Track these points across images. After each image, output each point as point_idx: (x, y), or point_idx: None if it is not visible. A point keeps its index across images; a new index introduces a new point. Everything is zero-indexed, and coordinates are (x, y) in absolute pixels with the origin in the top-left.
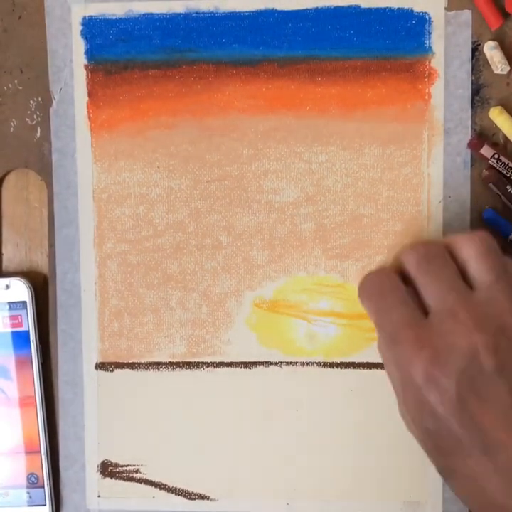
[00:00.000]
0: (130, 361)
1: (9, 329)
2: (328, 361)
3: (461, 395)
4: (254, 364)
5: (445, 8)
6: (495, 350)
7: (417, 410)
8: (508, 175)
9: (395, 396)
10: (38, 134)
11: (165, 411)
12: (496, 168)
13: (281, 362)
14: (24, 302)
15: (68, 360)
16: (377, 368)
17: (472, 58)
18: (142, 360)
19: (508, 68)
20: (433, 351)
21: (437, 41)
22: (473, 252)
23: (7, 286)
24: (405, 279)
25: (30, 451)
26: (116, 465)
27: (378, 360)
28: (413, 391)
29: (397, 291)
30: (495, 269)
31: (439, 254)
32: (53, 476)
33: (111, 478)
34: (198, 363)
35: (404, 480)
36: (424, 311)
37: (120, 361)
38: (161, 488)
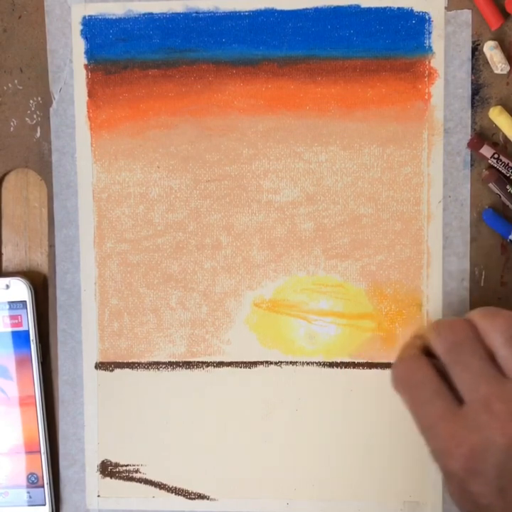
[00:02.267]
0: (130, 361)
1: (9, 329)
2: (328, 361)
3: (502, 487)
4: (254, 364)
5: (445, 8)
6: None
7: (461, 498)
8: (508, 175)
9: (395, 396)
10: (38, 134)
11: (165, 411)
12: (495, 167)
13: (281, 362)
14: (24, 302)
15: (68, 359)
16: (377, 368)
17: (472, 58)
18: (142, 360)
19: (508, 68)
20: (470, 447)
21: (437, 41)
22: (500, 337)
23: (7, 286)
24: (434, 356)
25: (30, 450)
26: (116, 465)
27: (378, 360)
28: (455, 481)
29: (431, 382)
30: None
31: (466, 341)
32: (53, 475)
33: (111, 478)
34: (198, 362)
35: (404, 480)
36: (459, 398)
37: (120, 361)
38: (161, 488)
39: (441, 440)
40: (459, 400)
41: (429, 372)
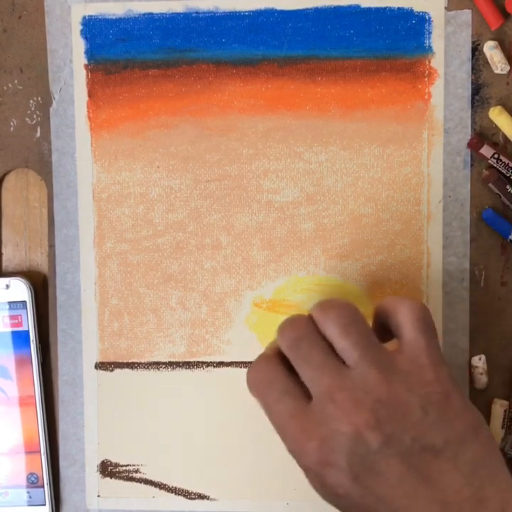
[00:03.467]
0: (130, 361)
1: (9, 329)
2: None
3: (356, 473)
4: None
5: (445, 8)
6: (376, 425)
7: (322, 491)
8: (508, 175)
9: None
10: (38, 134)
11: (165, 411)
12: (495, 167)
13: None
14: (24, 302)
15: (68, 360)
16: None
17: (472, 58)
18: (142, 360)
19: (508, 68)
20: (320, 441)
21: (437, 41)
22: (335, 328)
23: (7, 286)
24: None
25: (30, 450)
26: (116, 465)
27: None
28: (313, 475)
29: (280, 381)
30: (358, 342)
31: (306, 335)
32: (53, 475)
33: (111, 478)
34: (198, 362)
35: None
36: (309, 392)
37: (120, 361)
38: (161, 488)
39: (293, 437)
40: (309, 396)
41: (278, 372)
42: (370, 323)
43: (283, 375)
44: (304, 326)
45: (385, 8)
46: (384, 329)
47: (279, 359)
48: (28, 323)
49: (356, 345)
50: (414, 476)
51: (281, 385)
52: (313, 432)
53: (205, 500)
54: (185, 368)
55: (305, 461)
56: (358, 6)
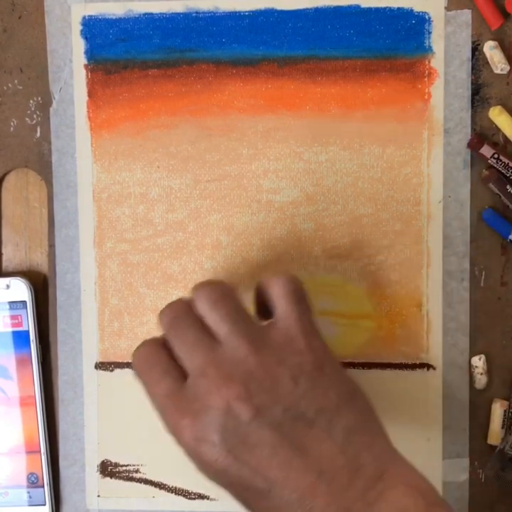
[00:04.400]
0: (130, 361)
1: (9, 329)
2: None
3: (229, 448)
4: None
5: (445, 8)
6: (247, 399)
7: (202, 469)
8: (508, 175)
9: (394, 396)
10: (38, 134)
11: None
12: (495, 167)
13: None
14: (24, 302)
15: (68, 359)
16: (377, 368)
17: (472, 58)
18: None
19: (508, 68)
20: (193, 417)
21: (437, 41)
22: (204, 305)
23: (7, 286)
24: None
25: (30, 450)
26: (116, 465)
27: (378, 360)
28: (191, 454)
29: (160, 363)
30: (228, 316)
31: (181, 315)
32: (53, 475)
33: (111, 478)
34: None
35: None
36: (186, 372)
37: (120, 361)
38: (161, 488)
39: (170, 416)
40: (186, 375)
41: (160, 354)
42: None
43: (164, 357)
44: (179, 307)
45: (385, 8)
46: (265, 307)
47: (162, 342)
48: (28, 323)
49: (225, 319)
50: (288, 446)
51: (161, 367)
52: (186, 409)
53: (205, 500)
54: None
55: (181, 439)
56: (358, 6)
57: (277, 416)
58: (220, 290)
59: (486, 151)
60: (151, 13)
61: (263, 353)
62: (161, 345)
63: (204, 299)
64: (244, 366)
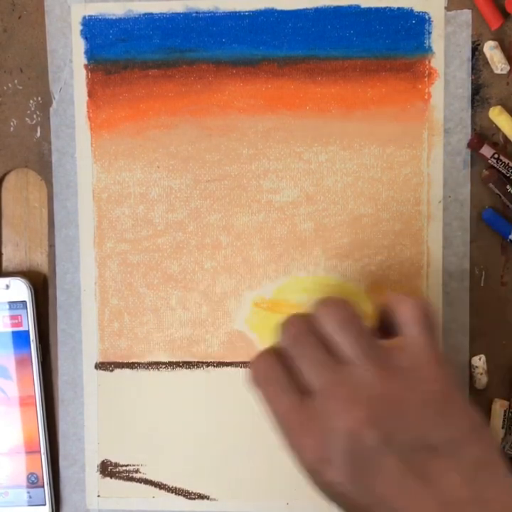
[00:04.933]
0: (130, 361)
1: (9, 329)
2: None
3: (354, 472)
4: None
5: (445, 8)
6: (375, 424)
7: (321, 489)
8: (508, 175)
9: None
10: (38, 134)
11: (165, 411)
12: (495, 168)
13: None
14: (24, 302)
15: (68, 359)
16: None
17: (472, 58)
18: (142, 360)
19: (508, 68)
20: (318, 436)
21: (437, 41)
22: (332, 324)
23: (7, 286)
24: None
25: (30, 450)
26: (116, 465)
27: None
28: (312, 473)
29: (279, 377)
30: (356, 338)
31: (304, 332)
32: (53, 475)
33: (111, 478)
34: (198, 362)
35: None
36: (309, 389)
37: (120, 361)
38: (161, 488)
39: (292, 433)
40: (309, 392)
41: (278, 367)
42: (370, 321)
43: (283, 370)
44: (303, 323)
45: (385, 8)
46: (387, 327)
47: (279, 355)
48: (28, 323)
49: (354, 340)
50: (413, 474)
51: (281, 381)
52: (311, 427)
53: (205, 500)
54: (185, 368)
55: (303, 457)
56: (358, 6)
57: (405, 443)
58: (347, 310)
59: (486, 151)
60: (151, 13)
61: (390, 376)
62: (279, 359)
63: (330, 319)
64: (373, 390)
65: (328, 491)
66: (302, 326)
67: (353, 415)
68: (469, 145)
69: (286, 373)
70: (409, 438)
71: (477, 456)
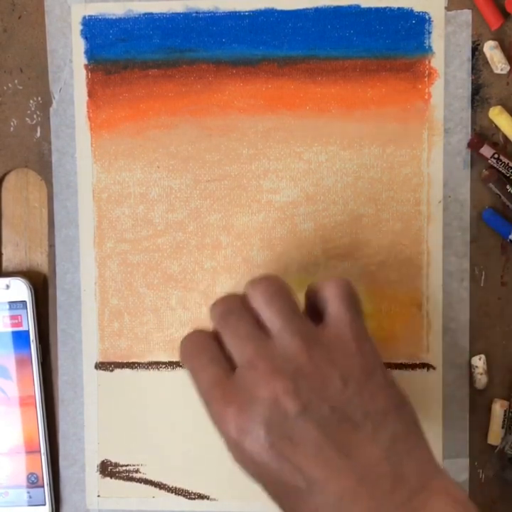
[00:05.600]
0: (130, 361)
1: (9, 329)
2: None
3: (273, 441)
4: None
5: (445, 8)
6: (295, 394)
7: (241, 461)
8: (508, 175)
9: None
10: (38, 134)
11: (165, 411)
12: (495, 168)
13: None
14: (24, 302)
15: (68, 359)
16: None
17: (472, 58)
18: (142, 360)
19: (508, 68)
20: (238, 406)
21: (437, 41)
22: (260, 299)
23: (7, 286)
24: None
25: (30, 450)
26: (116, 465)
27: None
28: (232, 444)
29: (207, 351)
30: (282, 312)
31: (234, 308)
32: (53, 475)
33: (111, 478)
34: None
35: None
36: (234, 365)
37: (120, 361)
38: (161, 488)
39: (215, 404)
40: (234, 367)
41: (208, 342)
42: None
43: (211, 345)
44: (233, 301)
45: (385, 8)
46: (314, 310)
47: (210, 333)
48: (28, 323)
49: (280, 314)
50: (332, 446)
51: (208, 354)
52: (233, 398)
53: (205, 500)
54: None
55: (224, 428)
56: (358, 6)
57: (324, 415)
58: (277, 285)
59: (486, 151)
60: (151, 13)
61: (314, 351)
62: (211, 336)
63: (259, 294)
64: (295, 362)
65: (248, 463)
66: (230, 303)
67: (275, 385)
68: (469, 145)
69: (213, 348)
70: (329, 410)
71: (396, 431)
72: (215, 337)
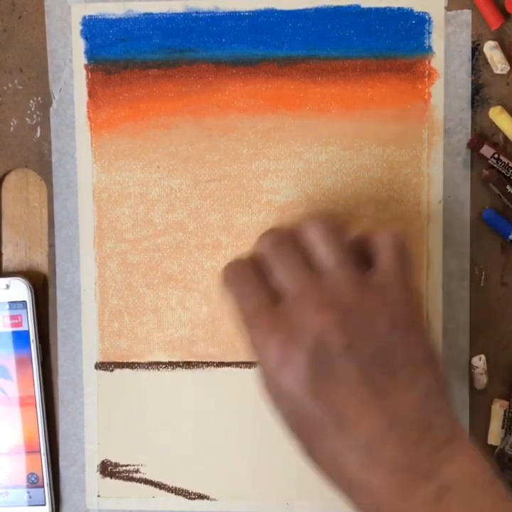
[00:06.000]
0: (130, 361)
1: (9, 329)
2: None
3: (313, 375)
4: (255, 364)
5: (445, 8)
6: (343, 330)
7: (275, 393)
8: (508, 175)
9: None
10: (38, 134)
11: (165, 411)
12: (495, 168)
13: None
14: (24, 302)
15: (68, 360)
16: None
17: (472, 58)
18: (142, 360)
19: (508, 68)
20: (285, 333)
21: (437, 41)
22: (316, 234)
23: (7, 286)
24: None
25: (30, 450)
26: (116, 465)
27: None
28: (270, 374)
29: (252, 278)
30: (338, 249)
31: (287, 240)
32: (53, 475)
33: (111, 478)
34: (198, 362)
35: None
36: (280, 295)
37: (120, 361)
38: (161, 488)
39: (258, 332)
40: (280, 296)
41: (251, 271)
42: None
43: (256, 273)
44: (286, 234)
45: (385, 8)
46: (363, 256)
47: (254, 260)
48: (28, 323)
49: (335, 251)
50: (370, 386)
51: (252, 282)
52: (278, 327)
53: (205, 500)
54: (185, 368)
55: (266, 355)
56: (358, 6)
57: (368, 354)
58: (335, 223)
59: (486, 151)
60: (151, 13)
61: (366, 292)
62: (255, 263)
63: (316, 229)
64: (346, 299)
65: (282, 395)
66: (283, 235)
67: (323, 317)
68: (469, 145)
69: (259, 276)
70: (373, 350)
71: (430, 384)
72: (261, 263)
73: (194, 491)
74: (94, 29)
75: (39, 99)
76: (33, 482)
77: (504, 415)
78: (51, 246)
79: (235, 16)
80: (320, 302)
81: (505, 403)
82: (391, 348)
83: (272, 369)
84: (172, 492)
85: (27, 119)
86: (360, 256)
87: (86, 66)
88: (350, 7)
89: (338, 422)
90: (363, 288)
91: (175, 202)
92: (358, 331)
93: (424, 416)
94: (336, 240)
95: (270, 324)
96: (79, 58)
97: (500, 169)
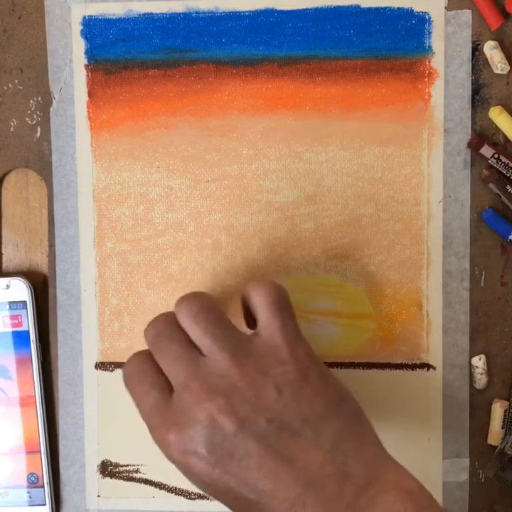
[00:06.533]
0: None
1: (9, 329)
2: (328, 361)
3: (217, 461)
4: None
5: (445, 8)
6: (231, 411)
7: (193, 481)
8: (508, 175)
9: (394, 396)
10: (38, 134)
11: None
12: (495, 168)
13: None
14: (24, 302)
15: (68, 360)
16: (377, 368)
17: (472, 58)
18: None
19: (508, 68)
20: (178, 430)
21: (437, 41)
22: (186, 319)
23: (7, 286)
24: None
25: (30, 451)
26: (116, 465)
27: (378, 360)
28: (179, 466)
29: (148, 376)
30: (208, 329)
31: (165, 330)
32: (53, 475)
33: (111, 478)
34: None
35: None
36: (171, 387)
37: (120, 361)
38: (161, 488)
39: (157, 429)
40: (172, 390)
41: (148, 367)
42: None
43: (152, 369)
44: (163, 322)
45: (385, 8)
46: (251, 316)
47: (151, 355)
48: (28, 323)
49: (206, 331)
50: (274, 457)
51: (149, 379)
52: (172, 422)
53: (205, 500)
54: None
55: (168, 452)
56: (358, 6)
57: (262, 427)
58: (200, 303)
59: (486, 151)
60: (151, 13)
61: (245, 363)
62: (150, 358)
63: (185, 313)
64: (227, 379)
65: (199, 481)
66: (162, 324)
67: (209, 405)
68: (469, 145)
69: (152, 371)
70: (267, 422)
71: (337, 431)
72: (154, 359)
73: (194, 491)
74: (95, 29)
75: (39, 99)
76: (33, 482)
77: (504, 415)
78: (51, 246)
79: (235, 16)
80: (202, 390)
81: (505, 403)
82: (284, 412)
83: (179, 462)
84: (172, 492)
85: (27, 119)
86: (251, 316)
87: (86, 66)
88: (350, 7)
89: (255, 495)
90: (243, 360)
91: (175, 202)
92: (246, 408)
93: (337, 466)
94: (205, 319)
95: (164, 422)
96: (79, 58)
97: (500, 169)
